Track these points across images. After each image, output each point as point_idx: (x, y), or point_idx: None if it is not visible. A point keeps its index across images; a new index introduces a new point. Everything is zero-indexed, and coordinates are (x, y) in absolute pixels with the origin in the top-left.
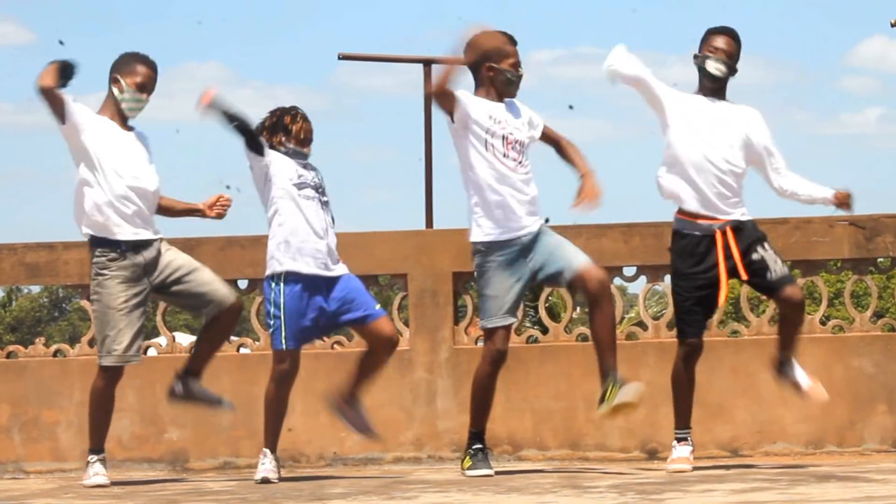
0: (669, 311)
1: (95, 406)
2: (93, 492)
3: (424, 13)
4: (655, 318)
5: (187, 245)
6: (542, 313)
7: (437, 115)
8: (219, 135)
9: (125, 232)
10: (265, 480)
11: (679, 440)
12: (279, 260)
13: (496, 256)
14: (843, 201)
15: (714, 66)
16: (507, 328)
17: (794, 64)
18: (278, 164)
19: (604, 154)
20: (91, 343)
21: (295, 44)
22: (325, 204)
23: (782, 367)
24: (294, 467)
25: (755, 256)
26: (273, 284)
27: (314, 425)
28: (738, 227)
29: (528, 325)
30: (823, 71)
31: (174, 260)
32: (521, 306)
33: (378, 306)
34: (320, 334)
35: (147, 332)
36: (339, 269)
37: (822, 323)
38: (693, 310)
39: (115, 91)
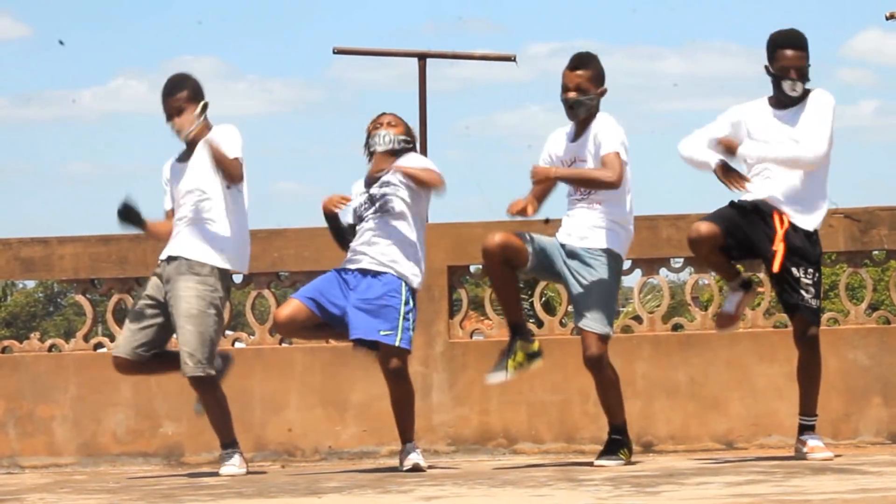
0: (664, 305)
1: None
2: (87, 486)
3: (420, 7)
4: (650, 312)
5: None
6: (538, 307)
7: (432, 109)
8: None
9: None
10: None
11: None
12: None
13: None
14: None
15: (790, 88)
16: (506, 235)
17: None
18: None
19: None
20: (86, 338)
21: (291, 38)
22: (378, 214)
23: (800, 437)
24: (289, 461)
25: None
26: None
27: (309, 419)
28: (796, 230)
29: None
30: (819, 63)
31: (177, 298)
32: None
33: (384, 332)
34: (333, 319)
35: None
36: (373, 265)
37: None
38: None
39: None
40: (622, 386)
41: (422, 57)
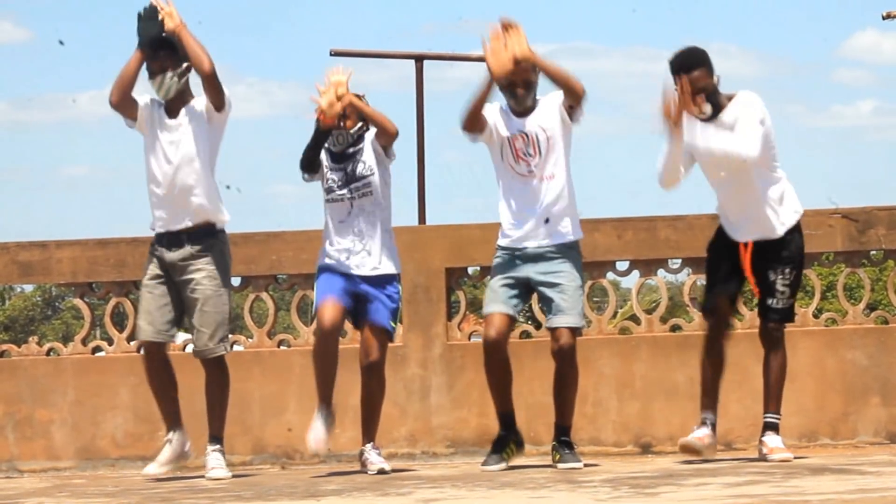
0: (662, 306)
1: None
2: (86, 490)
3: (417, 8)
4: (648, 313)
5: None
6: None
7: (432, 110)
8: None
9: (157, 224)
10: (315, 439)
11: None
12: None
13: (498, 254)
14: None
15: (698, 113)
16: (498, 317)
17: (787, 56)
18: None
19: (597, 148)
20: (84, 342)
21: (289, 40)
22: (358, 198)
23: (761, 437)
24: (288, 464)
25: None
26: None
27: (308, 422)
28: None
29: (521, 320)
30: (816, 63)
31: (191, 282)
32: (521, 307)
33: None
34: (353, 306)
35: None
36: (372, 269)
37: (815, 316)
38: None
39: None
40: (620, 387)
41: (418, 59)
